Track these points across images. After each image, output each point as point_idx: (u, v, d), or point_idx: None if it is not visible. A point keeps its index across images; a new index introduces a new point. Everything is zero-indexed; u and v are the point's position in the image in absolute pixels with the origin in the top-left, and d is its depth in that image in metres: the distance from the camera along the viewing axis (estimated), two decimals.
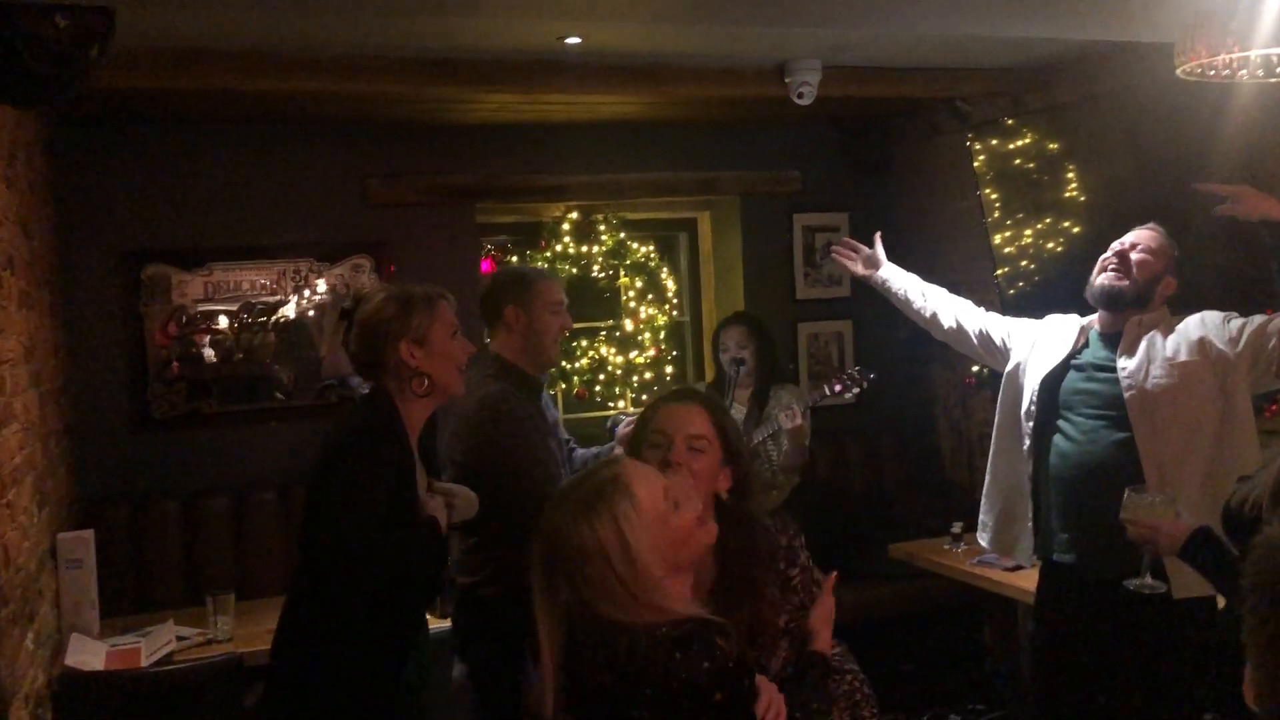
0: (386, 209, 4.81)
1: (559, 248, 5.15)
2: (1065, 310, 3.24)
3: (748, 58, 4.05)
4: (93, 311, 4.41)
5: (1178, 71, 1.66)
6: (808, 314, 5.55)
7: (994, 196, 4.68)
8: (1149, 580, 2.53)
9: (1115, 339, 2.97)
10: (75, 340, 4.31)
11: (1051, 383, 3.02)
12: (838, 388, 4.18)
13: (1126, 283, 2.94)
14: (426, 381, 2.42)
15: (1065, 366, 3.03)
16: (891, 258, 3.70)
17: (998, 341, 3.27)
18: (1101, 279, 2.98)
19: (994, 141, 4.62)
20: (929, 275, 5.40)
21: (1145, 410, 2.84)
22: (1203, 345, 2.85)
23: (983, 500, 3.26)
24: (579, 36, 3.53)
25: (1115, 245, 3.00)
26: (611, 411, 4.91)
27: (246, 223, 4.62)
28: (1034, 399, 3.05)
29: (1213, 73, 1.65)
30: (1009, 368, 3.19)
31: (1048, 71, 4.41)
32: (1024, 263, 4.57)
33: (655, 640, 1.62)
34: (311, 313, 4.69)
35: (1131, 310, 2.96)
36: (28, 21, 2.55)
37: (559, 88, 4.02)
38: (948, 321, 3.39)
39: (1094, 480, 2.87)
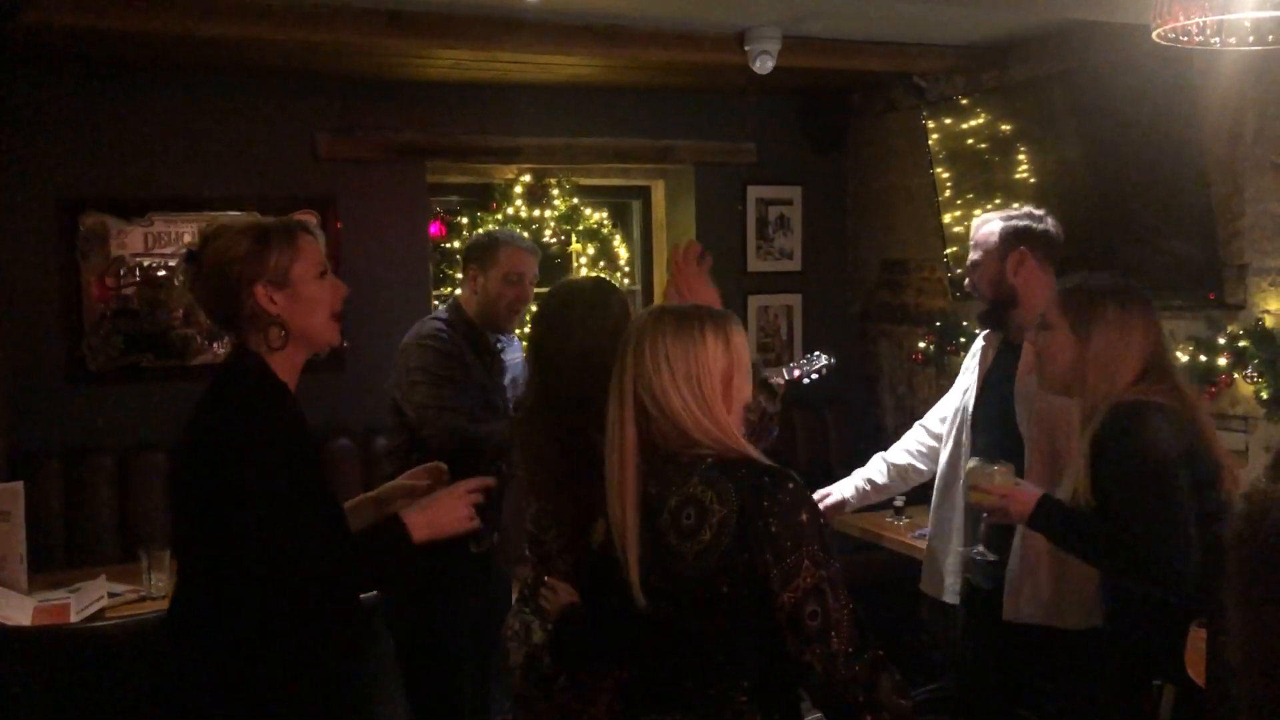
0: (335, 164, 4.71)
1: (510, 211, 5.09)
2: None
3: (708, 22, 4.01)
4: (27, 259, 4.27)
5: (1153, 35, 1.65)
6: (758, 286, 5.56)
7: (946, 175, 4.70)
8: (984, 550, 2.66)
9: (1017, 350, 2.91)
10: (8, 289, 4.18)
11: (975, 406, 3.02)
12: (796, 373, 4.16)
13: (981, 305, 2.99)
14: (284, 332, 2.04)
15: (981, 386, 3.03)
16: (844, 234, 3.69)
17: (949, 414, 3.19)
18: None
19: (948, 120, 4.63)
20: (883, 251, 5.44)
21: (1032, 421, 2.82)
22: None
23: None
24: None
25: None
26: None
27: (191, 173, 4.50)
28: (953, 425, 3.07)
29: (1186, 38, 1.65)
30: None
31: (1005, 49, 4.43)
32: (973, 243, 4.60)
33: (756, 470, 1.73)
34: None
35: (1012, 312, 2.90)
36: None
37: (516, 45, 3.96)
38: (926, 465, 3.32)
39: None
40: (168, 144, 4.46)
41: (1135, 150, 3.75)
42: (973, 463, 2.52)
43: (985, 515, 2.55)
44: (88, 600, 3.46)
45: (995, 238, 2.91)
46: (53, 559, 3.98)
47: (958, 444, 3.06)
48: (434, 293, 4.99)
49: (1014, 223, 2.92)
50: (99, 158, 4.36)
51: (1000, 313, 2.95)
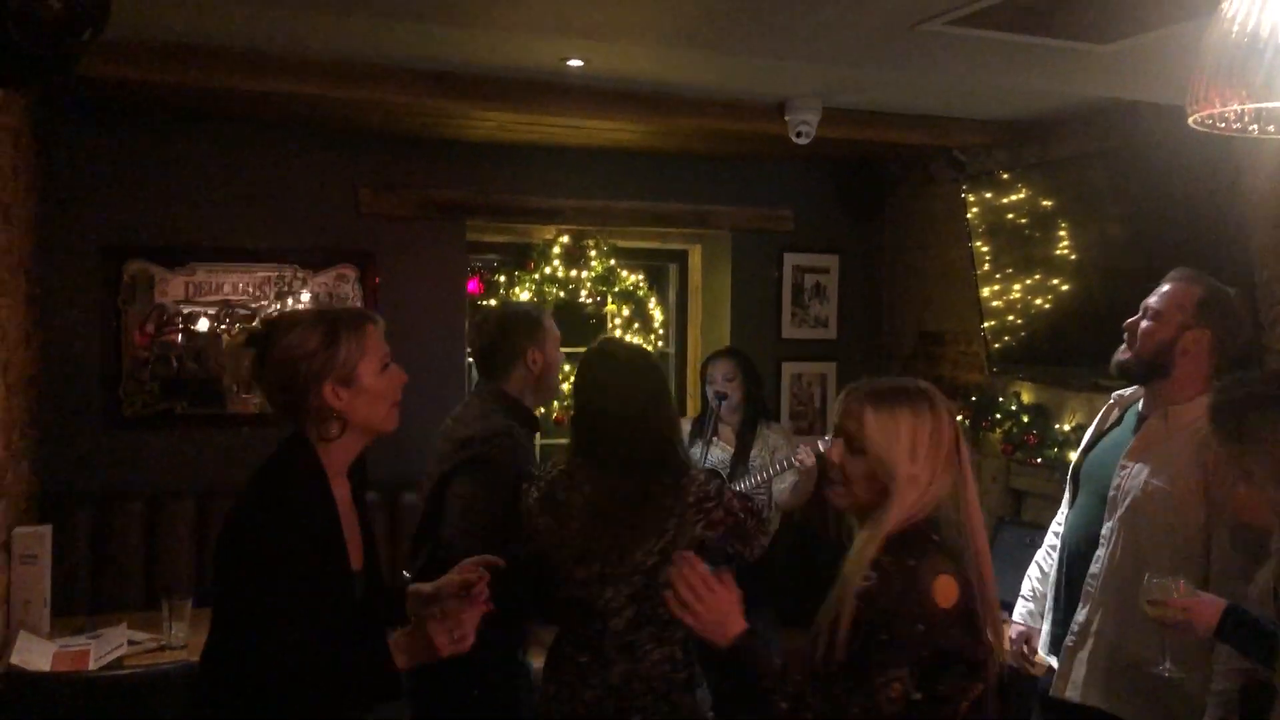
0: (376, 219, 4.77)
1: (547, 270, 5.12)
2: (1048, 365, 3.18)
3: (749, 92, 4.04)
4: (70, 304, 4.33)
5: (1190, 121, 1.63)
6: (793, 353, 5.53)
7: (985, 249, 4.68)
8: (1171, 666, 2.46)
9: (1144, 419, 2.79)
10: (50, 332, 4.23)
11: (1078, 463, 2.94)
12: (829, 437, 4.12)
13: (1129, 356, 2.76)
14: (343, 424, 2.07)
15: (1094, 443, 2.94)
16: (880, 303, 3.67)
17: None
18: (1116, 353, 2.80)
19: (988, 194, 4.62)
20: (920, 323, 5.41)
21: (1124, 496, 2.71)
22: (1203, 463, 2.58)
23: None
24: (582, 59, 3.52)
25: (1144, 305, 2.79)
26: None
27: (233, 224, 4.57)
28: (1068, 483, 2.98)
29: (1223, 125, 1.62)
30: None
31: (1046, 126, 4.42)
32: (1011, 317, 4.56)
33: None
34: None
35: (1157, 381, 2.74)
36: (21, 1, 2.51)
37: (559, 109, 4.00)
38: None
39: (1077, 562, 2.82)
40: (211, 195, 4.53)
41: (1178, 230, 3.71)
42: (1148, 577, 2.36)
43: (1167, 631, 2.39)
44: (108, 647, 3.45)
45: (1192, 304, 2.69)
46: (77, 603, 3.98)
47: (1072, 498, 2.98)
48: (469, 349, 5.01)
49: (1218, 298, 2.70)
50: (144, 207, 4.44)
51: (1143, 373, 2.77)
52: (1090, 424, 3.06)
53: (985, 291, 4.68)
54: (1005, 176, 4.53)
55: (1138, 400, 2.89)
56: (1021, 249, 4.49)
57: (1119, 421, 2.92)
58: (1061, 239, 4.29)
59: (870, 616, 1.79)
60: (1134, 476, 2.70)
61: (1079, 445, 3.11)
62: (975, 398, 4.88)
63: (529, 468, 2.90)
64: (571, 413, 2.66)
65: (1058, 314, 4.31)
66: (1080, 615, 2.76)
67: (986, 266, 4.67)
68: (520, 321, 3.17)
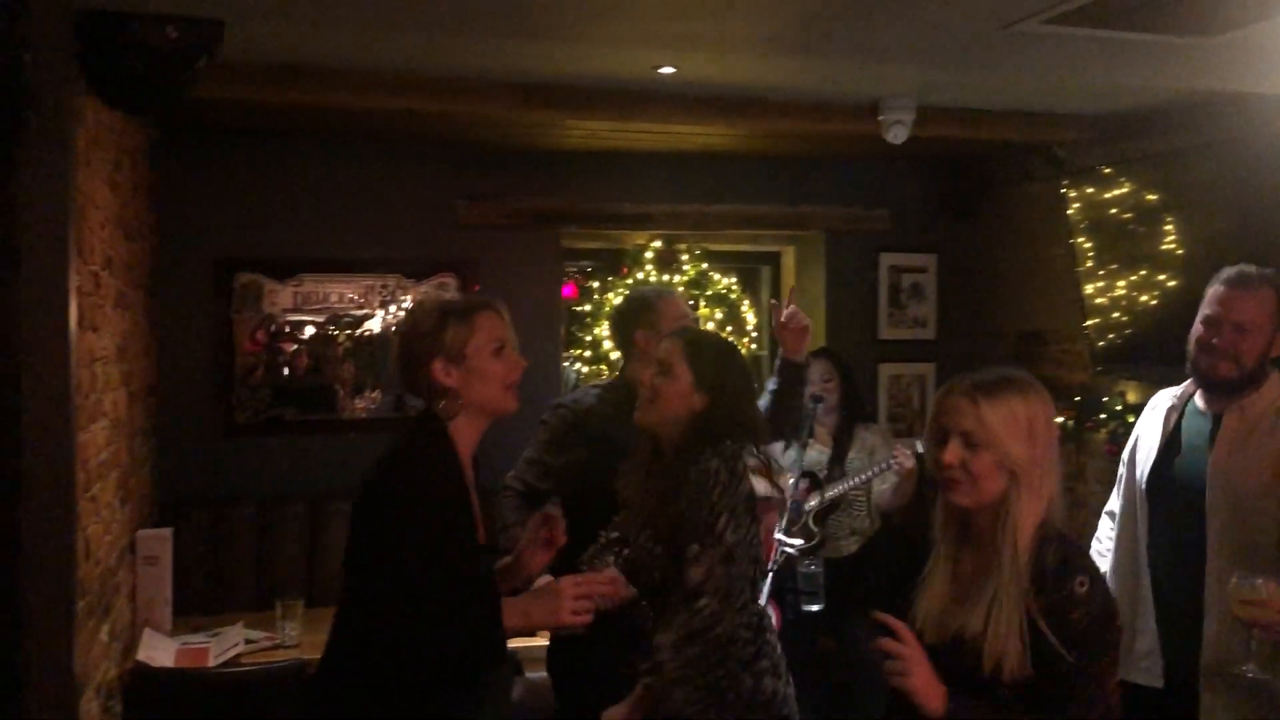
0: (474, 229, 4.87)
1: (641, 275, 5.17)
2: (1154, 364, 3.10)
3: (842, 93, 4.02)
4: (185, 316, 4.52)
5: None
6: (890, 355, 5.48)
7: (1087, 246, 4.58)
8: (1255, 667, 2.40)
9: (1215, 419, 2.73)
10: (166, 343, 4.42)
11: (1153, 473, 2.83)
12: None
13: (1236, 373, 2.66)
14: (458, 402, 2.21)
15: (1164, 453, 2.84)
16: (978, 302, 3.62)
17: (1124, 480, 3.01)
18: (1204, 362, 2.70)
19: (1090, 190, 4.52)
20: (1021, 322, 5.32)
21: (1227, 502, 2.64)
22: None
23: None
24: (672, 67, 3.55)
25: (1212, 317, 2.69)
26: None
27: (338, 236, 4.71)
28: (1141, 494, 2.86)
29: None
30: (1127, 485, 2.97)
31: (1149, 120, 4.31)
32: (1115, 314, 4.46)
33: None
34: (395, 328, 4.77)
35: (1248, 390, 2.68)
36: (141, 31, 2.64)
37: (650, 117, 4.04)
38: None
39: (1175, 571, 2.74)
40: (316, 208, 4.69)
41: None
42: (1236, 579, 2.35)
43: (1256, 631, 2.35)
44: (226, 645, 3.60)
45: (1274, 308, 2.65)
46: (194, 603, 4.14)
47: (1131, 513, 2.88)
48: (565, 353, 5.09)
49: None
50: (253, 221, 4.61)
51: (1245, 386, 2.68)
52: (1152, 427, 2.92)
53: (1088, 289, 4.58)
54: (1107, 171, 4.43)
55: (1190, 398, 2.83)
56: (1126, 245, 4.39)
57: (1178, 426, 2.83)
58: (1168, 234, 4.18)
59: (1073, 630, 1.84)
60: (1231, 478, 2.64)
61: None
62: (1079, 397, 4.78)
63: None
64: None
65: (1164, 311, 4.20)
66: (1209, 629, 2.64)
67: (1089, 263, 4.57)
68: (629, 304, 3.24)
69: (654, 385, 2.49)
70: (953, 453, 1.93)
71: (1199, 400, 2.81)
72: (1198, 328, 2.74)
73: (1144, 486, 2.85)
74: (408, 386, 2.30)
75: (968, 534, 1.99)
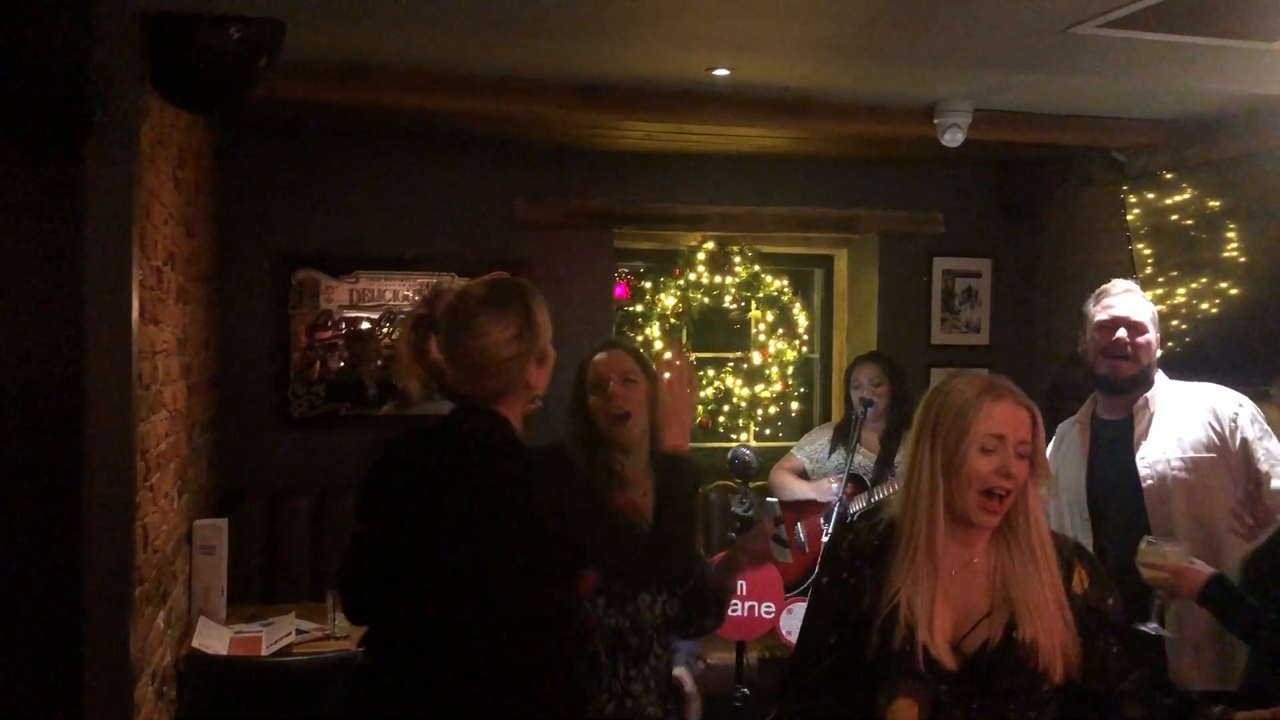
0: (528, 228, 4.91)
1: (693, 276, 5.17)
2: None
3: (897, 96, 4.00)
4: (244, 310, 4.60)
5: None
6: (942, 360, 5.42)
7: (1147, 252, 4.51)
8: (1159, 625, 2.60)
9: (1123, 425, 2.95)
10: (225, 337, 4.50)
11: (1089, 490, 3.00)
12: None
13: (1136, 370, 2.93)
14: (536, 403, 2.18)
15: (1091, 468, 3.01)
16: (1033, 308, 3.68)
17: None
18: (1105, 366, 2.94)
19: (1150, 195, 4.45)
20: (1074, 328, 5.24)
21: (1162, 501, 2.86)
22: (1213, 441, 2.87)
23: None
24: (728, 68, 3.55)
25: (1107, 321, 2.94)
26: (734, 443, 4.87)
27: (393, 234, 4.77)
28: (1082, 515, 3.00)
29: None
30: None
31: (1212, 125, 4.23)
32: (1175, 322, 4.39)
33: None
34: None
35: (1137, 391, 2.95)
36: (204, 32, 2.70)
37: (705, 118, 4.05)
38: None
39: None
40: (373, 206, 4.75)
41: None
42: (1145, 541, 2.55)
43: (1158, 590, 2.56)
44: (278, 635, 3.65)
45: (1153, 313, 2.99)
46: (249, 592, 4.22)
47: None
48: None
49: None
50: (312, 218, 4.68)
51: (1138, 385, 2.95)
52: (1071, 453, 3.09)
53: (1148, 296, 4.50)
54: (1169, 177, 4.35)
55: (1093, 413, 3.07)
56: (1187, 251, 4.31)
57: (1094, 440, 3.05)
58: (1230, 240, 4.10)
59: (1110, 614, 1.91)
60: (1157, 462, 2.88)
61: None
62: None
63: None
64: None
65: (1226, 319, 4.13)
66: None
67: (1149, 270, 4.50)
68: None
69: (624, 398, 2.52)
70: (1019, 467, 1.88)
71: (1104, 412, 3.04)
72: (1094, 336, 2.97)
73: (1084, 505, 3.00)
74: (482, 389, 2.11)
75: (967, 536, 1.92)
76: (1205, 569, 2.46)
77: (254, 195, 4.60)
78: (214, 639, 3.51)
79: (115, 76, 2.50)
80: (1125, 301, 2.96)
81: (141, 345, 2.72)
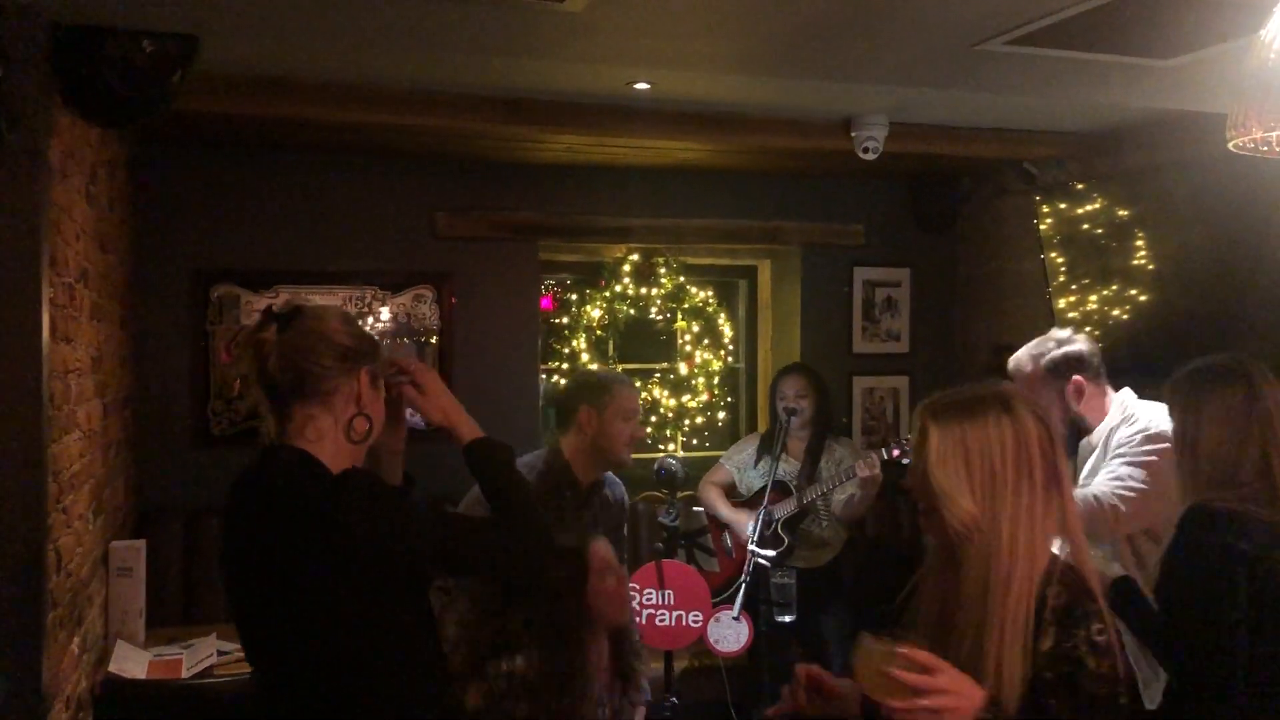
0: (453, 242, 4.89)
1: (618, 288, 5.20)
2: (1126, 378, 3.22)
3: (815, 111, 4.07)
4: (162, 327, 4.51)
5: (1229, 145, 1.64)
6: (864, 368, 5.53)
7: (1060, 260, 4.64)
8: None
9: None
10: (143, 354, 4.41)
11: None
12: (896, 452, 4.11)
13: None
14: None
15: None
16: (952, 316, 3.76)
17: None
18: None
19: (1062, 205, 4.58)
20: (994, 335, 5.38)
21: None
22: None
23: None
24: (648, 83, 3.58)
25: None
26: (660, 454, 4.90)
27: (315, 248, 4.72)
28: None
29: (1265, 149, 1.62)
30: None
31: (1118, 138, 4.38)
32: (1088, 329, 4.51)
33: None
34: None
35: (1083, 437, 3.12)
36: (116, 45, 2.66)
37: (627, 132, 4.07)
38: None
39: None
40: (294, 220, 4.69)
41: (1260, 238, 3.65)
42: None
43: None
44: (199, 657, 3.59)
45: (1041, 376, 3.04)
46: (168, 614, 4.14)
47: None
48: (542, 365, 5.11)
49: (1051, 356, 3.06)
50: (231, 233, 4.61)
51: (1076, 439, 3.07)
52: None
53: (1061, 303, 4.64)
54: (1079, 187, 4.49)
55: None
56: (1098, 260, 4.45)
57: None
58: (1139, 249, 4.24)
59: (1082, 691, 1.61)
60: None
61: None
62: None
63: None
64: None
65: (1137, 325, 4.26)
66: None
67: (1061, 278, 4.63)
68: (585, 380, 3.19)
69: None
70: (911, 477, 1.73)
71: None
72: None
73: None
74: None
75: (954, 558, 1.72)
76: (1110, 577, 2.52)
77: (171, 210, 4.52)
78: (132, 663, 3.44)
79: (23, 90, 2.45)
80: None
81: (53, 364, 2.67)
